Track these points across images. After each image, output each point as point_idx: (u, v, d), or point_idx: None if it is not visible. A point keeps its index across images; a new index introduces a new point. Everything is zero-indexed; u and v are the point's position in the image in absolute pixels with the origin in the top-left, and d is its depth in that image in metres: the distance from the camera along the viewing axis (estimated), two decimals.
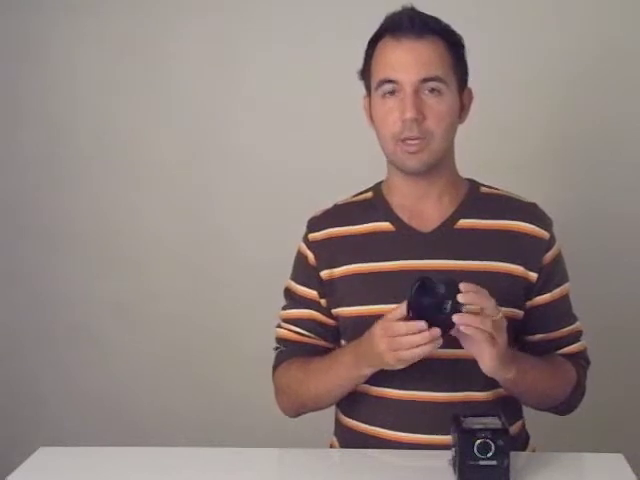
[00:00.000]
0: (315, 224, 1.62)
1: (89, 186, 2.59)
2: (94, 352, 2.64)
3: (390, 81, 1.45)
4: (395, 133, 1.46)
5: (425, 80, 1.44)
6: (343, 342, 1.60)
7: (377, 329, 1.34)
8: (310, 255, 1.60)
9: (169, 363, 2.61)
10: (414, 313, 1.29)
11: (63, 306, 2.65)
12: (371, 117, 1.53)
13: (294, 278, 1.64)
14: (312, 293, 1.60)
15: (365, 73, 1.53)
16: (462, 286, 1.28)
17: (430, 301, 1.28)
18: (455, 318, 1.27)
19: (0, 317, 2.69)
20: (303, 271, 1.62)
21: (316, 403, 1.58)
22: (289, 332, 1.62)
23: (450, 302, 1.27)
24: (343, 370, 1.48)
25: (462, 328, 1.28)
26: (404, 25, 1.45)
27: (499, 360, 1.32)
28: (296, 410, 1.62)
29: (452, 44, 1.48)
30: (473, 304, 1.28)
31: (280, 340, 1.65)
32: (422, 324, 1.28)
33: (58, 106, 2.57)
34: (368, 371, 1.43)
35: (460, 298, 1.27)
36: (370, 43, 1.52)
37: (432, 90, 1.44)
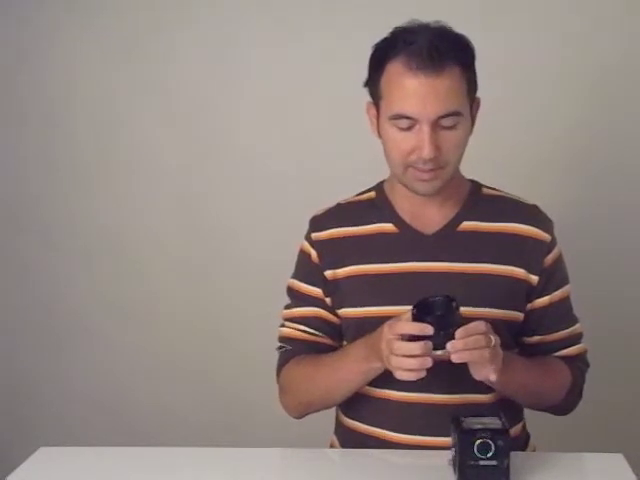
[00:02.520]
0: (318, 223, 1.61)
1: (89, 186, 2.59)
2: (94, 352, 2.64)
3: (406, 117, 1.40)
4: (408, 162, 1.43)
5: (443, 116, 1.39)
6: (345, 343, 1.60)
7: (386, 325, 1.34)
8: (314, 254, 1.59)
9: (169, 363, 2.61)
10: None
11: (63, 306, 2.65)
12: (377, 129, 1.49)
13: (297, 277, 1.63)
14: (316, 291, 1.59)
15: (373, 87, 1.47)
16: (457, 334, 1.27)
17: (432, 321, 1.29)
18: (449, 346, 1.27)
19: (0, 317, 2.69)
20: (307, 269, 1.61)
21: (323, 400, 1.57)
22: (295, 331, 1.61)
23: (444, 331, 1.28)
24: (353, 363, 1.47)
25: (453, 357, 1.28)
26: (422, 58, 1.37)
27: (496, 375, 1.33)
28: (301, 410, 1.60)
29: (467, 66, 1.42)
30: (466, 349, 1.28)
31: (285, 339, 1.63)
32: (429, 328, 1.27)
33: (58, 106, 2.56)
34: (378, 365, 1.40)
35: (450, 347, 1.27)
36: (379, 56, 1.45)
37: (449, 125, 1.40)
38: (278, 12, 2.42)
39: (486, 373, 1.32)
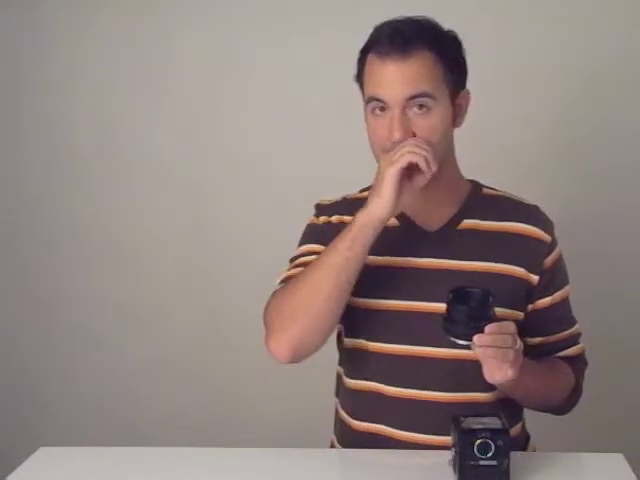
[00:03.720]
0: (324, 209, 1.61)
1: (89, 186, 2.59)
2: (94, 352, 2.64)
3: (378, 99, 1.44)
4: (384, 150, 1.45)
5: (412, 97, 1.41)
6: (344, 339, 1.59)
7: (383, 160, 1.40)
8: (323, 227, 1.58)
9: (169, 363, 2.61)
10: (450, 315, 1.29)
11: (63, 306, 2.65)
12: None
13: (305, 242, 1.59)
14: (324, 246, 1.50)
15: (359, 82, 1.52)
16: (487, 329, 1.27)
17: (463, 313, 1.28)
18: (476, 338, 1.26)
19: (0, 317, 2.69)
20: (316, 234, 1.58)
21: (309, 312, 1.42)
22: (297, 268, 1.53)
23: (473, 324, 1.27)
24: (339, 242, 1.41)
25: (477, 351, 1.27)
26: (385, 44, 1.43)
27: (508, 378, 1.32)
28: (290, 341, 1.43)
29: (442, 53, 1.44)
30: (492, 345, 1.27)
31: (286, 279, 1.54)
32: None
33: (58, 106, 2.57)
34: (365, 219, 1.40)
35: (477, 339, 1.26)
36: (361, 53, 1.50)
37: (420, 106, 1.42)
38: (278, 12, 2.42)
39: (502, 374, 1.30)
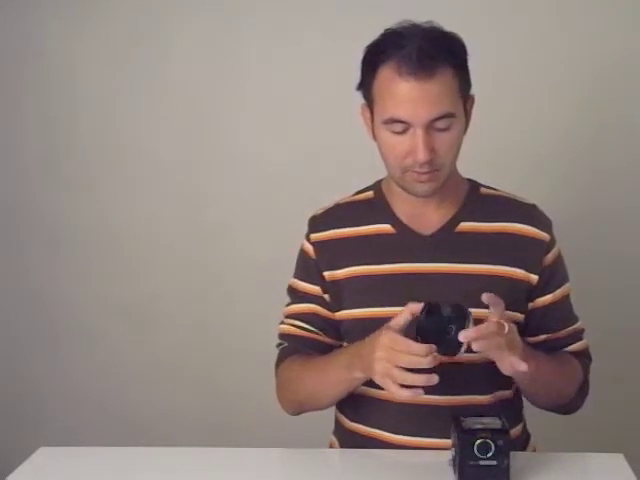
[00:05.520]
0: (317, 224, 1.62)
1: (89, 186, 2.59)
2: (94, 352, 2.64)
3: (399, 121, 1.40)
4: (404, 166, 1.43)
5: (436, 119, 1.39)
6: (345, 344, 1.59)
7: (385, 338, 1.30)
8: (312, 253, 1.60)
9: (169, 363, 2.61)
10: (422, 337, 1.28)
11: (63, 306, 2.65)
12: (373, 133, 1.49)
13: (297, 276, 1.64)
14: (315, 289, 1.59)
15: (365, 91, 1.47)
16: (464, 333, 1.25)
17: (437, 324, 1.27)
18: (461, 336, 1.24)
19: (0, 317, 2.69)
20: (306, 268, 1.62)
21: (312, 403, 1.57)
22: (291, 327, 1.62)
23: (455, 327, 1.26)
24: (336, 370, 1.46)
25: (473, 346, 1.25)
26: (413, 64, 1.36)
27: (523, 360, 1.30)
28: (295, 407, 1.61)
29: (457, 65, 1.42)
30: (480, 338, 1.26)
31: (283, 336, 1.64)
32: (432, 347, 1.26)
33: (58, 107, 2.56)
34: (359, 375, 1.40)
35: (462, 337, 1.24)
36: (370, 59, 1.45)
37: (443, 127, 1.40)
38: (278, 12, 2.42)
39: (511, 363, 1.29)
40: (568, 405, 1.58)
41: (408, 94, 1.38)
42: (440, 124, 1.40)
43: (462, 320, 1.26)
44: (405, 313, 1.31)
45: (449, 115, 1.40)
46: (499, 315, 1.30)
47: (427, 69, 1.37)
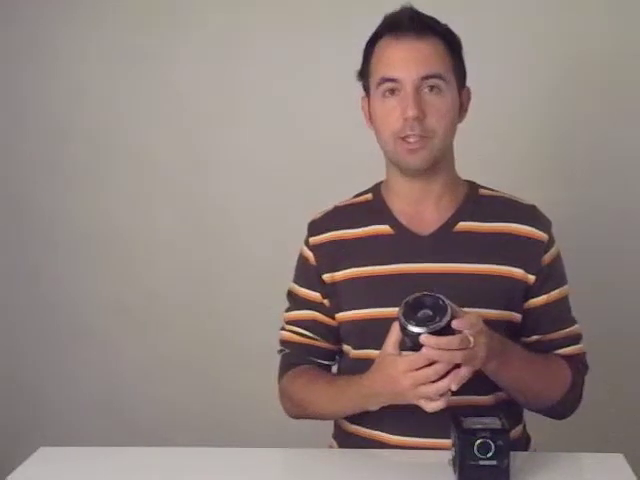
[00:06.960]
0: (316, 227, 1.62)
1: (90, 186, 2.59)
2: (95, 352, 2.64)
3: (391, 79, 1.45)
4: (396, 131, 1.46)
5: (426, 77, 1.44)
6: (345, 347, 1.60)
7: (398, 365, 1.31)
8: (311, 258, 1.60)
9: (169, 363, 2.61)
10: (409, 338, 1.28)
11: (64, 306, 2.65)
12: (370, 118, 1.53)
13: (297, 281, 1.64)
14: (314, 295, 1.60)
15: (364, 73, 1.52)
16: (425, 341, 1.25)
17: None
18: (421, 338, 1.25)
19: (0, 317, 2.69)
20: (305, 274, 1.62)
21: (319, 418, 1.60)
22: (292, 334, 1.63)
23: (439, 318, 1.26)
24: (348, 403, 1.49)
25: (423, 351, 1.27)
26: (404, 24, 1.45)
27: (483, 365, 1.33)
28: (298, 415, 1.63)
29: (451, 45, 1.48)
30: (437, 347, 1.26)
31: (284, 343, 1.65)
32: (439, 342, 1.25)
33: (60, 108, 2.56)
34: (376, 408, 1.43)
35: (424, 339, 1.25)
36: (369, 43, 1.51)
37: (432, 88, 1.44)
38: (278, 12, 2.42)
39: (456, 380, 1.29)
40: (554, 408, 1.54)
41: (400, 53, 1.45)
42: (430, 83, 1.44)
43: (442, 312, 1.26)
44: (394, 331, 1.32)
45: (438, 76, 1.44)
46: (466, 326, 1.28)
47: (418, 30, 1.44)
